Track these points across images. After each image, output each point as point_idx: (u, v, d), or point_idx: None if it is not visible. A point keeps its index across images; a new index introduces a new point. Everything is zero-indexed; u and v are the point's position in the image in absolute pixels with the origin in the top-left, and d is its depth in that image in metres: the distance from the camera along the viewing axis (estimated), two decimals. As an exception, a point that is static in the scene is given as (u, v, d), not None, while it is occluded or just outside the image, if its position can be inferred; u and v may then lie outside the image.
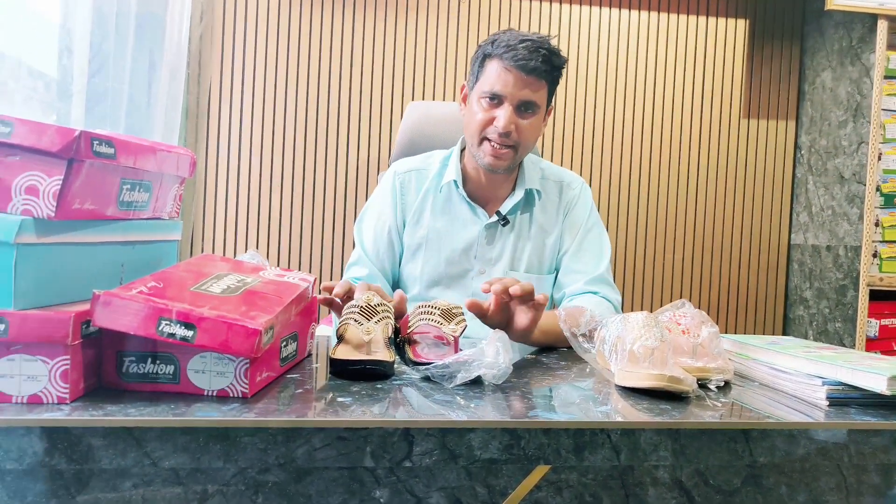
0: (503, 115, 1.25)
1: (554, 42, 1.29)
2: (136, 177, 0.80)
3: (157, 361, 0.70)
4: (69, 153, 0.66)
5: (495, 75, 1.26)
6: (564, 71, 1.35)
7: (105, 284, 0.72)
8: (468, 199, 1.38)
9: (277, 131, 2.40)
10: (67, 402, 0.65)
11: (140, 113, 1.84)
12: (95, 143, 0.69)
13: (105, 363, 0.71)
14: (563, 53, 1.32)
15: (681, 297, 1.21)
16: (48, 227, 0.68)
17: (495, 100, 1.27)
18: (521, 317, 1.04)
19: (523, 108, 1.28)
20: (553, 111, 1.38)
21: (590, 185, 2.53)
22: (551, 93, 1.34)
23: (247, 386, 0.70)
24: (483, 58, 1.30)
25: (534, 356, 1.05)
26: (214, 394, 0.70)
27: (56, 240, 0.70)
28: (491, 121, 1.27)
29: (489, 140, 1.28)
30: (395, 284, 1.42)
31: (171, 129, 1.98)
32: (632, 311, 1.04)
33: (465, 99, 1.38)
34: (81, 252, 0.74)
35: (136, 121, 1.82)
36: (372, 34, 2.43)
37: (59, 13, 1.49)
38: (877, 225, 2.31)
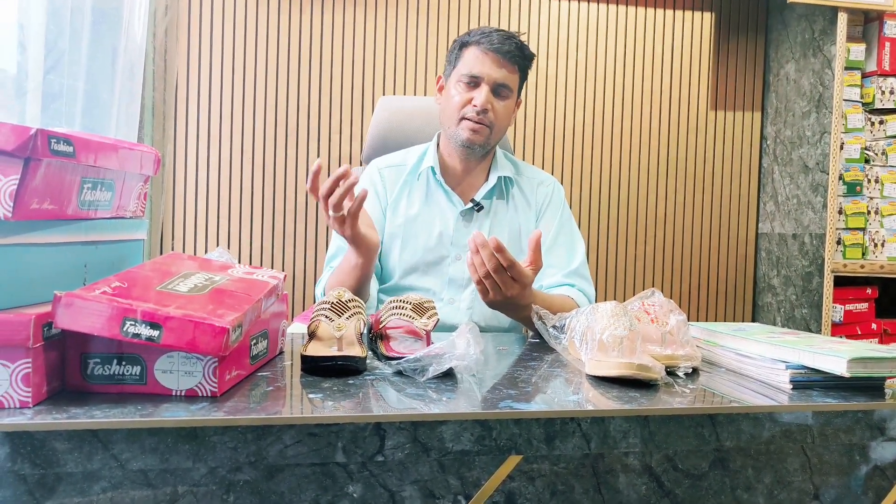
0: (480, 94, 1.34)
1: (522, 38, 1.39)
2: (97, 175, 0.79)
3: (123, 362, 0.69)
4: (25, 152, 0.65)
5: (473, 59, 1.35)
6: (534, 65, 1.42)
7: (67, 285, 0.70)
8: (444, 186, 1.41)
9: (247, 127, 2.37)
10: (30, 405, 0.64)
11: (98, 110, 1.79)
12: (53, 141, 0.67)
13: (69, 365, 0.69)
14: (532, 48, 1.39)
15: (651, 287, 1.23)
16: (5, 228, 0.66)
17: (473, 82, 1.35)
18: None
19: (498, 90, 1.36)
20: (521, 104, 1.45)
21: (560, 178, 2.58)
22: (522, 82, 1.42)
23: (215, 385, 0.69)
24: (460, 47, 1.38)
25: (505, 348, 1.06)
26: (183, 394, 0.69)
27: (14, 241, 0.68)
28: (469, 100, 1.35)
29: (467, 118, 1.35)
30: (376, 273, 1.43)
31: (130, 127, 1.94)
32: (604, 301, 1.05)
33: (440, 90, 1.45)
34: (42, 253, 0.72)
35: (94, 118, 1.77)
36: (342, 28, 2.41)
37: (14, 7, 1.45)
38: (840, 213, 2.37)
